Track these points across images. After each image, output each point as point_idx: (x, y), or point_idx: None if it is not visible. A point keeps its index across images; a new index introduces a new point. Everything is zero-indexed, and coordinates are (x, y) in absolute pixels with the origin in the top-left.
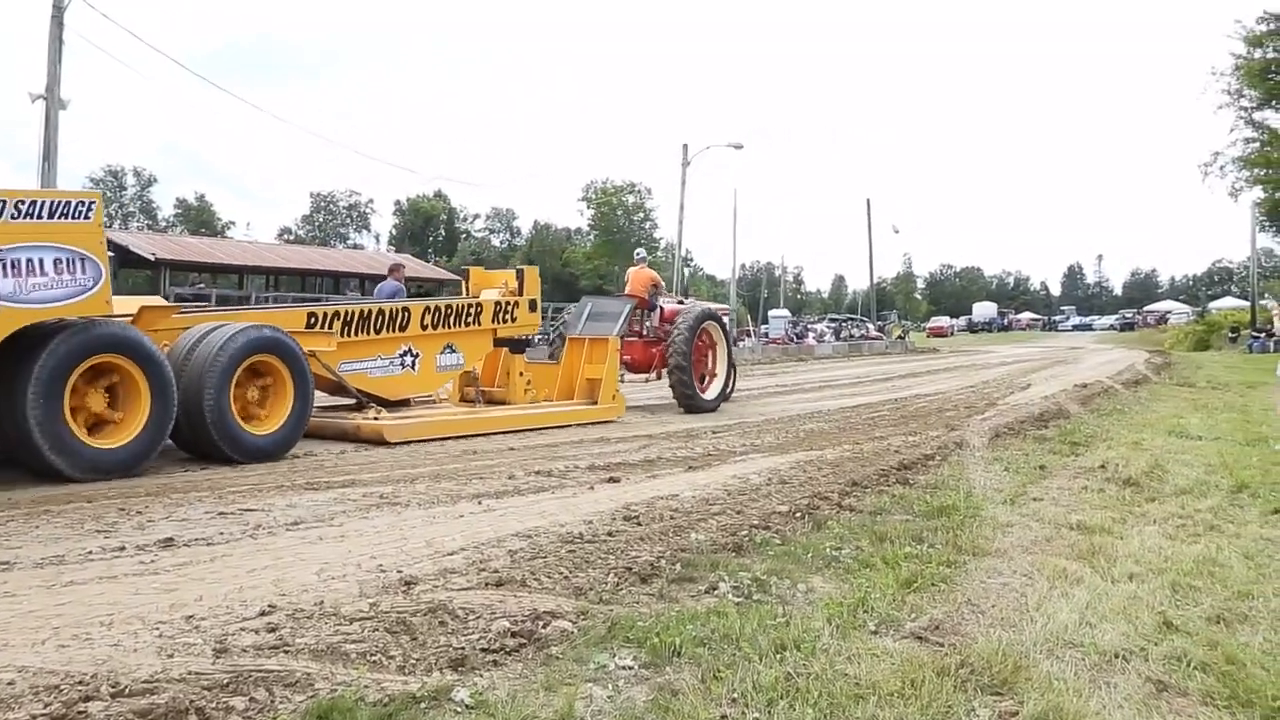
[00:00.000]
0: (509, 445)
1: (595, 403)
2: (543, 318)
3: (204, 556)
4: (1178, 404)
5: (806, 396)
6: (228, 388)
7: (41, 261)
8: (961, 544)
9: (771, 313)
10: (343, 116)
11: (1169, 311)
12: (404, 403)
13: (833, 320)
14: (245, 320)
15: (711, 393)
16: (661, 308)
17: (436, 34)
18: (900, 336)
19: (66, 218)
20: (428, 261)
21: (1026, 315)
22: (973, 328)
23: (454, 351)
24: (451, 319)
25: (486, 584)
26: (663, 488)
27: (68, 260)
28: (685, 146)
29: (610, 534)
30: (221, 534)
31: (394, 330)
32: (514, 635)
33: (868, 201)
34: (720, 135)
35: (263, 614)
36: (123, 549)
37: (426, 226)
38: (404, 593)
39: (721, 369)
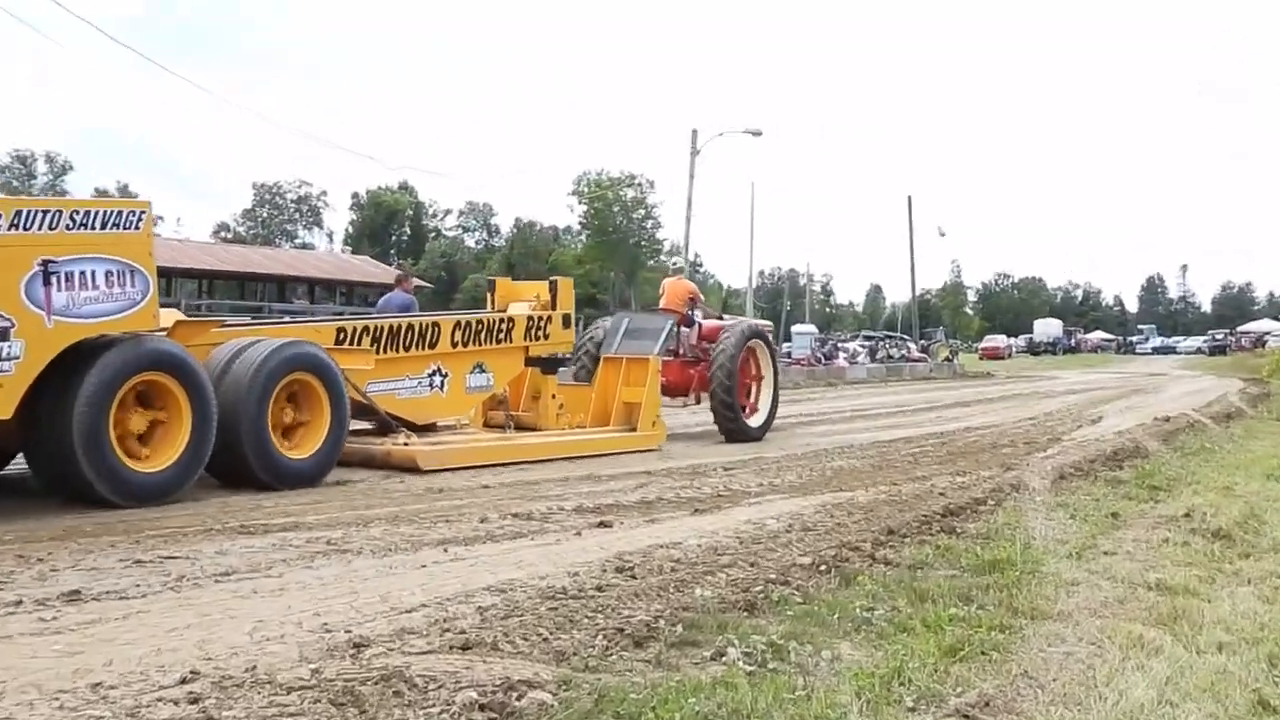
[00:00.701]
0: (482, 482)
1: (634, 429)
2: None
3: (116, 613)
4: (1278, 442)
5: (835, 428)
6: (267, 408)
7: (94, 274)
8: (1017, 605)
9: (795, 329)
10: (301, 101)
11: (1268, 333)
12: (429, 427)
13: (867, 338)
14: (272, 336)
15: (757, 419)
16: (700, 323)
17: (411, 5)
18: (947, 358)
19: (118, 228)
20: (390, 265)
21: (1097, 335)
22: (1034, 349)
23: (484, 371)
24: (483, 336)
25: (451, 647)
26: (662, 534)
27: (118, 273)
28: (694, 133)
29: (599, 588)
30: (137, 586)
31: (423, 348)
32: (482, 709)
33: (909, 199)
34: (735, 122)
35: (184, 681)
36: (19, 603)
37: (389, 224)
38: (352, 656)
39: (768, 393)
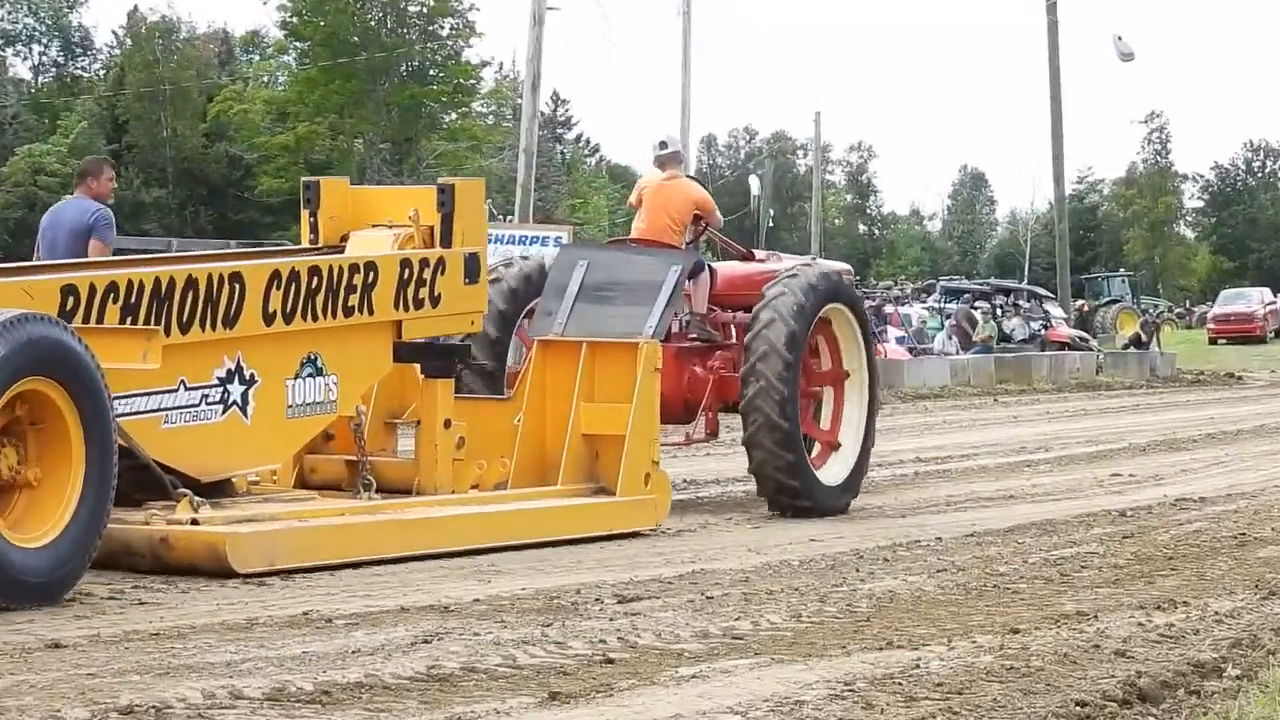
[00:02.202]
0: (48, 634)
1: (607, 491)
2: None
3: None
4: None
5: (881, 501)
6: None
7: None
8: None
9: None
10: None
11: None
12: (219, 486)
13: (953, 295)
14: None
15: (837, 468)
16: (712, 269)
17: None
18: (1139, 340)
19: None
20: None
21: None
22: None
23: (319, 374)
24: (319, 301)
25: None
26: None
27: None
28: None
29: None
30: None
31: (212, 325)
32: None
33: None
34: None
35: None
36: None
37: None
38: None
39: (857, 410)
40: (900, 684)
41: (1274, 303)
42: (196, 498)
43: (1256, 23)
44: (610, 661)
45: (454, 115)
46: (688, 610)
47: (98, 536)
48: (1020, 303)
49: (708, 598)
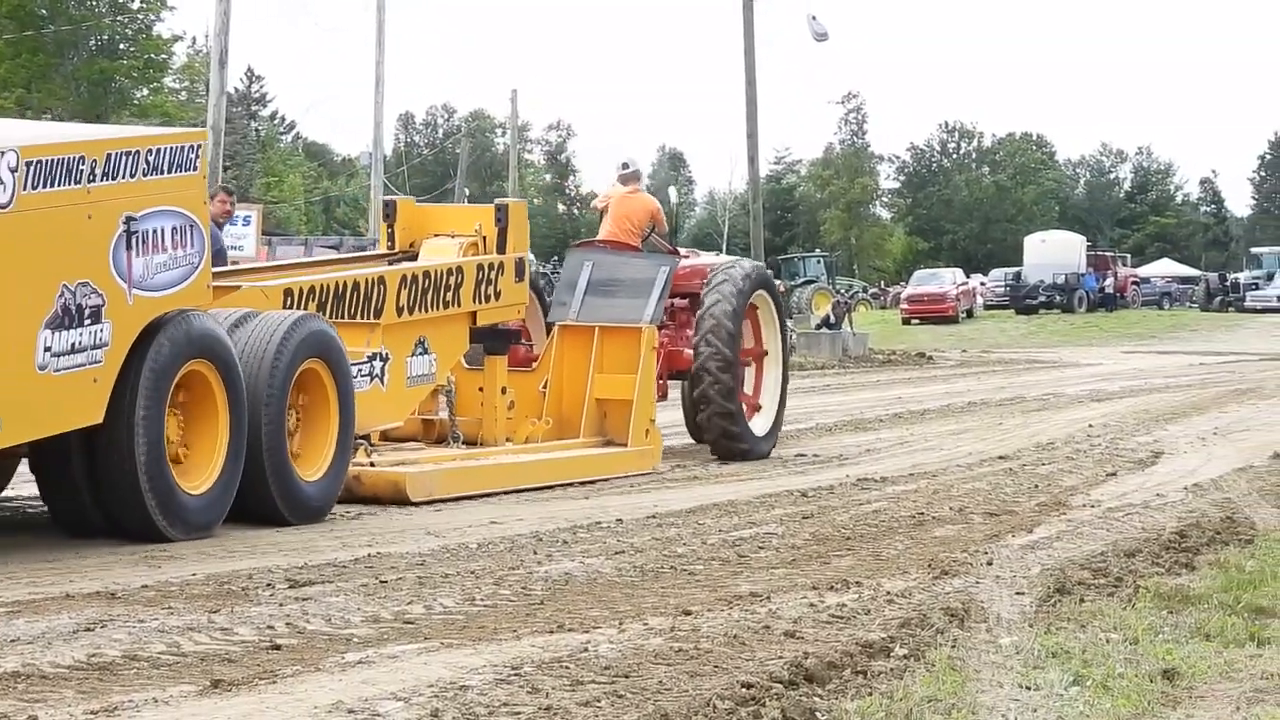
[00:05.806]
0: None
1: (617, 444)
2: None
3: None
4: None
5: (564, 482)
6: (285, 408)
7: (163, 232)
8: None
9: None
10: None
11: None
12: (363, 440)
13: None
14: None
15: (761, 421)
16: None
17: None
18: (827, 322)
19: (181, 169)
20: None
21: (1162, 268)
22: (1021, 298)
23: (426, 353)
24: (429, 297)
25: None
26: None
27: (181, 229)
28: None
29: None
30: None
31: (367, 316)
32: None
33: None
34: None
35: None
36: None
37: None
38: None
39: (775, 377)
40: (568, 667)
41: (966, 283)
42: (368, 445)
43: (951, 4)
44: (277, 648)
45: (145, 91)
46: (360, 595)
47: (345, 472)
48: None
49: (381, 582)
